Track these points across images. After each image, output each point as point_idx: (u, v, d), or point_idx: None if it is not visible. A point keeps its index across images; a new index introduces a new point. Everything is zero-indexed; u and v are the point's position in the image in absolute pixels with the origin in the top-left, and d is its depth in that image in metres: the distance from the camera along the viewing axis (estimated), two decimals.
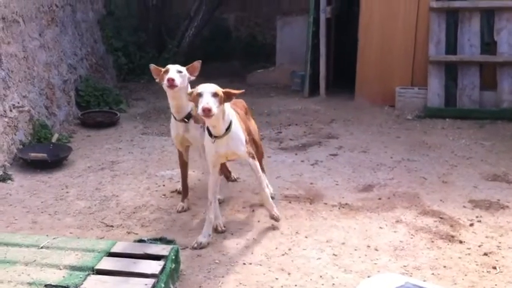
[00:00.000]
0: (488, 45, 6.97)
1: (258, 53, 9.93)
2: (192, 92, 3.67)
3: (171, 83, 3.89)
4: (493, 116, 6.69)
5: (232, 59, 10.10)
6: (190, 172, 4.65)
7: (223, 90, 3.63)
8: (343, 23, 8.55)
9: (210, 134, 3.76)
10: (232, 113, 3.86)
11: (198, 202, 4.53)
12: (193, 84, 4.25)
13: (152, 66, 4.14)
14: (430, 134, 6.28)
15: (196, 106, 3.56)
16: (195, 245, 3.82)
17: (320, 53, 7.72)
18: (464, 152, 5.68)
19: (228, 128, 3.75)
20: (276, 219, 4.12)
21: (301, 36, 8.03)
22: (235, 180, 4.96)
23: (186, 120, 4.14)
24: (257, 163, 4.04)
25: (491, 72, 6.93)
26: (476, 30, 6.97)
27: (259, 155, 4.41)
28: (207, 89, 3.54)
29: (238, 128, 3.86)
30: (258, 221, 4.22)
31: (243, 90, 3.84)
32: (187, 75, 4.05)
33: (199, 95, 3.52)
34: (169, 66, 4.02)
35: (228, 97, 3.66)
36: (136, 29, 9.09)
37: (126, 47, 8.70)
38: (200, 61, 4.10)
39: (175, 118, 4.19)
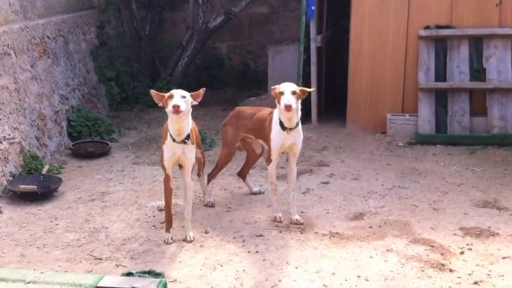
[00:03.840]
0: (478, 72, 7.04)
1: (250, 80, 9.99)
2: (274, 88, 4.44)
3: (177, 109, 3.97)
4: (483, 141, 6.72)
5: (224, 86, 10.16)
6: (174, 200, 4.66)
7: (300, 88, 4.42)
8: (336, 50, 8.64)
9: (283, 127, 4.45)
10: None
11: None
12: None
13: (153, 91, 4.20)
14: (421, 160, 6.30)
15: (278, 102, 4.36)
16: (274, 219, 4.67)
17: (311, 81, 7.77)
18: (455, 178, 5.69)
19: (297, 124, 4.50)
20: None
21: (292, 64, 8.08)
22: (213, 205, 5.10)
23: (186, 141, 4.21)
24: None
25: (481, 98, 6.99)
26: (465, 57, 7.04)
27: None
28: (288, 88, 4.33)
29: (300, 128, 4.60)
30: (248, 252, 4.20)
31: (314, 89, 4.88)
32: (191, 99, 4.14)
33: (281, 93, 4.31)
34: (174, 92, 4.08)
35: (303, 94, 4.43)
36: (129, 58, 9.15)
37: (119, 77, 8.74)
38: (204, 89, 4.28)
39: (174, 140, 4.21)
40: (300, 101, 4.40)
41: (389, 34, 7.24)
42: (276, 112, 4.58)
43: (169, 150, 4.29)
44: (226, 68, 10.35)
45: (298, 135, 4.60)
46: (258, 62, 10.18)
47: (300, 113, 4.48)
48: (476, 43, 7.05)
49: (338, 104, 7.79)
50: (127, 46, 9.31)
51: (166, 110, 4.07)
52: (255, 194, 5.37)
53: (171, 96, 4.04)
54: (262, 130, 4.79)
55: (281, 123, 4.46)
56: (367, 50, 7.33)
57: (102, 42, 8.80)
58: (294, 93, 4.30)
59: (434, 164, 6.16)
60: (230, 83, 10.22)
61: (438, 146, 6.74)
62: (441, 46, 7.10)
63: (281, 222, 4.67)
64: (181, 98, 4.03)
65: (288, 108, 4.23)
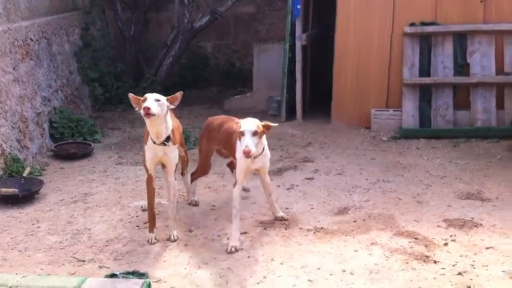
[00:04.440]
0: (462, 67, 7.06)
1: (235, 79, 9.98)
2: (237, 123, 4.16)
3: (147, 111, 3.90)
4: (467, 134, 6.74)
5: (210, 85, 10.14)
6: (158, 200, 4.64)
7: (262, 124, 4.11)
8: (321, 48, 8.63)
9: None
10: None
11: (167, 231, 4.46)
12: (175, 111, 4.42)
13: (131, 95, 4.16)
14: (405, 154, 6.30)
15: (239, 140, 4.05)
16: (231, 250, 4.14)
17: (296, 78, 7.76)
18: (438, 171, 5.70)
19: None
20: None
21: (277, 63, 8.08)
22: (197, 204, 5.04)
23: (166, 143, 4.16)
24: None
25: (465, 92, 7.01)
26: (450, 53, 7.06)
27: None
28: (248, 128, 3.99)
29: (267, 149, 4.35)
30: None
31: (277, 124, 4.35)
32: (166, 103, 4.06)
33: (241, 133, 3.99)
34: (148, 95, 4.02)
35: (267, 129, 4.14)
36: (113, 59, 9.09)
37: (103, 77, 8.67)
38: (182, 92, 4.18)
39: (154, 142, 4.17)
40: (263, 136, 4.15)
41: (374, 31, 7.23)
42: None
43: (151, 151, 4.25)
44: (211, 67, 10.32)
45: (265, 160, 4.36)
46: (244, 60, 10.15)
47: (264, 142, 4.23)
48: (461, 39, 7.06)
49: (324, 102, 7.77)
50: (111, 47, 9.24)
51: (141, 113, 3.99)
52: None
53: (144, 100, 3.98)
54: (228, 145, 4.51)
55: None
56: (352, 47, 7.33)
57: (86, 43, 8.73)
58: (255, 133, 3.96)
59: (418, 157, 6.18)
60: (215, 82, 10.19)
61: (422, 140, 6.75)
62: (426, 42, 7.11)
63: (237, 251, 4.14)
64: (154, 101, 3.96)
65: (247, 154, 3.91)
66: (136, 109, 4.09)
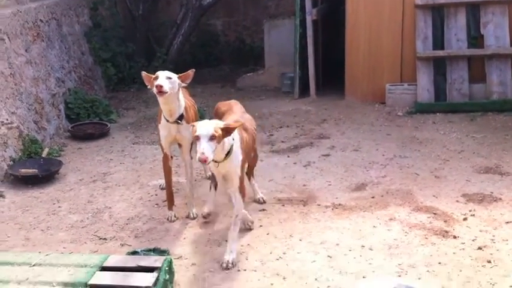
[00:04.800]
0: (475, 39, 6.99)
1: (247, 56, 9.93)
2: (193, 126, 3.57)
3: (160, 89, 3.90)
4: (483, 108, 6.70)
5: (221, 63, 10.11)
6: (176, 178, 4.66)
7: (222, 126, 3.51)
8: (332, 22, 8.56)
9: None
10: (236, 137, 3.74)
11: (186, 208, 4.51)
12: (188, 89, 4.43)
13: (143, 73, 4.16)
14: (421, 129, 6.28)
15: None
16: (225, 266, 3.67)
17: (308, 54, 7.71)
18: (455, 145, 5.68)
19: (228, 153, 3.67)
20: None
21: (289, 39, 8.03)
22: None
23: (179, 121, 4.16)
24: (241, 201, 3.88)
25: (480, 65, 6.95)
26: (463, 24, 6.98)
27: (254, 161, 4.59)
28: (204, 131, 3.43)
29: (237, 153, 3.76)
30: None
31: (241, 123, 3.81)
32: (178, 81, 4.05)
33: (197, 138, 3.44)
34: (159, 73, 4.02)
35: (228, 132, 3.56)
36: (123, 39, 9.07)
37: (115, 58, 8.67)
38: (194, 70, 4.16)
39: (167, 120, 4.18)
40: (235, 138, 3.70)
41: (385, 4, 7.15)
42: None
43: (165, 130, 4.27)
44: (222, 44, 10.26)
45: (233, 165, 3.76)
46: (254, 37, 10.08)
47: (229, 143, 3.64)
48: (473, 10, 6.98)
49: (337, 77, 7.73)
50: (121, 26, 9.21)
51: (153, 91, 3.99)
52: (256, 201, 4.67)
53: (156, 78, 3.98)
54: None
55: None
56: (364, 21, 7.26)
57: (95, 24, 8.71)
58: (212, 138, 3.42)
59: (434, 132, 6.15)
60: (226, 60, 10.15)
61: (438, 114, 6.72)
62: (438, 14, 7.03)
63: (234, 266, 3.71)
64: (165, 79, 3.95)
65: (203, 161, 3.42)
66: (149, 87, 4.10)
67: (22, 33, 6.42)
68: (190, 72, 4.14)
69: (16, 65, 6.11)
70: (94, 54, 8.41)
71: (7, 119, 5.57)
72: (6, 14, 6.13)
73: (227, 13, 10.24)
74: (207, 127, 3.45)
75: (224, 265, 3.66)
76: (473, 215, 4.17)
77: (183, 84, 4.12)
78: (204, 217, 4.39)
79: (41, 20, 6.96)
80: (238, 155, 3.76)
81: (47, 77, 6.76)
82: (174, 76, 4.04)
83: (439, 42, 7.03)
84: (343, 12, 7.45)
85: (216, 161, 3.64)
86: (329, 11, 8.46)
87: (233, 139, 3.69)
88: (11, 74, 5.94)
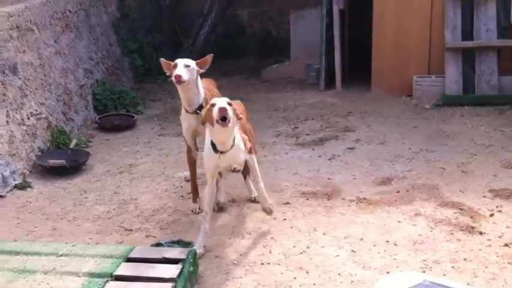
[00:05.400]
0: (505, 29, 6.84)
1: (272, 47, 9.88)
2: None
3: (179, 79, 3.92)
4: None
5: (247, 54, 10.08)
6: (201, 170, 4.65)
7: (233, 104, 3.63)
8: (360, 13, 8.46)
9: (215, 149, 3.72)
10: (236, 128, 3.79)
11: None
12: (207, 76, 4.42)
13: (162, 60, 4.18)
14: (449, 122, 6.19)
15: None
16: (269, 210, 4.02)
17: (334, 45, 7.65)
18: (483, 139, 5.59)
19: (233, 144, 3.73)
20: (269, 213, 4.10)
21: (315, 29, 7.96)
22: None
23: (198, 111, 4.15)
24: (254, 157, 4.02)
25: (510, 56, 6.81)
26: (493, 14, 6.83)
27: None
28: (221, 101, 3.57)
29: (240, 141, 3.82)
30: (276, 220, 4.21)
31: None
32: (196, 68, 4.06)
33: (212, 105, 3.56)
34: (178, 61, 4.02)
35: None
36: (150, 30, 9.12)
37: (142, 49, 8.73)
38: (212, 55, 4.17)
39: (186, 111, 4.20)
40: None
41: None
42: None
43: (185, 121, 4.28)
44: (247, 35, 10.24)
45: (236, 156, 3.79)
46: (280, 28, 10.04)
47: (237, 135, 3.74)
48: None
49: (363, 69, 7.65)
50: (148, 17, 9.27)
51: (172, 79, 4.00)
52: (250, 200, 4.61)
53: (175, 66, 3.99)
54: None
55: (213, 145, 3.75)
56: (392, 11, 7.16)
57: (123, 14, 8.78)
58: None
59: (462, 125, 6.06)
60: (252, 51, 10.12)
61: (466, 107, 6.61)
62: (467, 4, 6.89)
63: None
64: (184, 68, 3.96)
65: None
66: (168, 74, 4.11)
67: (51, 24, 6.51)
68: (209, 57, 4.14)
69: (45, 55, 6.20)
70: (121, 45, 8.48)
71: (36, 110, 5.67)
72: (35, 4, 6.20)
73: (253, 3, 10.21)
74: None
75: (268, 211, 4.03)
76: (500, 211, 4.11)
77: (202, 71, 4.13)
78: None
79: (69, 11, 7.04)
80: (241, 146, 3.81)
81: (75, 68, 6.85)
82: (192, 63, 4.05)
83: (468, 32, 6.89)
84: (371, 2, 7.36)
85: (222, 152, 3.68)
86: (356, 1, 8.36)
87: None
88: (40, 64, 6.03)
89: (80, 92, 6.76)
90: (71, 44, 6.91)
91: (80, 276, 3.17)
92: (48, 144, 5.68)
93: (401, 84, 7.17)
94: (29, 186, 5.03)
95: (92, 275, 3.18)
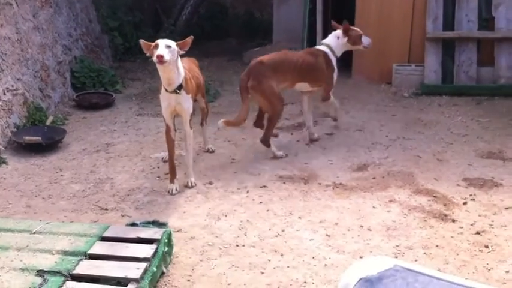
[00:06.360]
0: (486, 20, 6.89)
1: (255, 30, 9.86)
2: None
3: (161, 59, 3.95)
4: (490, 92, 6.64)
5: (229, 36, 10.04)
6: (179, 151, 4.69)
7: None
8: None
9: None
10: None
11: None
12: (189, 56, 4.54)
13: (142, 41, 4.19)
14: (427, 111, 6.25)
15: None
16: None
17: (317, 30, 7.64)
18: (460, 129, 5.66)
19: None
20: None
21: (298, 14, 7.95)
22: (213, 151, 5.19)
23: (177, 91, 4.22)
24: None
25: (489, 48, 6.86)
26: (474, 5, 6.88)
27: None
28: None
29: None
30: (253, 200, 4.24)
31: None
32: (177, 49, 4.11)
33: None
34: (159, 41, 4.06)
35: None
36: (131, 8, 9.01)
37: (122, 27, 8.64)
38: (192, 37, 4.21)
39: (166, 90, 4.24)
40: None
41: None
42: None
43: (165, 100, 4.33)
44: (230, 17, 10.20)
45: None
46: (263, 11, 10.01)
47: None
48: None
49: (344, 56, 7.62)
50: None
51: (153, 59, 4.03)
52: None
53: (156, 46, 4.02)
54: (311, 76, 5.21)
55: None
56: None
57: None
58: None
59: (439, 114, 6.12)
60: (234, 33, 10.09)
61: (444, 96, 6.67)
62: None
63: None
64: (165, 48, 4.00)
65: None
66: (148, 54, 4.13)
67: None
68: (189, 39, 4.19)
69: (23, 30, 6.08)
70: (101, 23, 8.36)
71: (12, 85, 5.58)
72: None
73: None
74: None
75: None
76: (474, 199, 4.18)
77: (182, 52, 4.17)
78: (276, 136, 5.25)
79: None
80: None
81: (53, 44, 6.74)
82: (173, 44, 4.09)
83: (449, 23, 6.94)
84: None
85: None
86: None
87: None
88: (17, 39, 5.92)
89: (57, 69, 6.66)
90: (50, 20, 6.79)
91: (53, 254, 3.15)
92: (24, 121, 5.60)
93: (381, 72, 7.21)
94: (4, 163, 4.96)
95: (66, 253, 3.17)
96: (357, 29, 5.41)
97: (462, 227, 3.79)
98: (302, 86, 5.19)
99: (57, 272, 2.98)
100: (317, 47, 5.40)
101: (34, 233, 3.40)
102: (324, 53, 5.17)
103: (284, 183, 4.54)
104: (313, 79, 5.13)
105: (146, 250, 3.21)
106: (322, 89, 5.26)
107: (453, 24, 6.93)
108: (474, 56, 6.84)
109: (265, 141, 4.95)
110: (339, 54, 5.28)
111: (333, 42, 5.26)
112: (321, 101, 5.39)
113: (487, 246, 3.54)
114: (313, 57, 5.11)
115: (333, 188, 4.43)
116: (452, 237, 3.68)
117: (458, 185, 4.43)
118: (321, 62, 5.11)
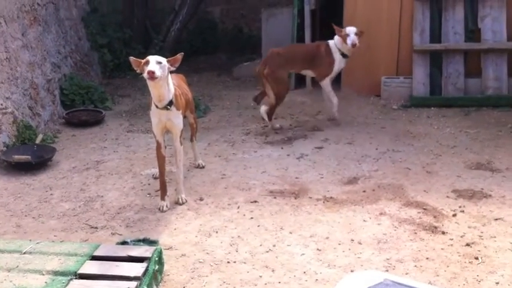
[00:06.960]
0: (473, 32, 6.98)
1: (244, 45, 9.89)
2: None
3: (151, 75, 3.97)
4: (478, 103, 6.70)
5: (218, 51, 10.07)
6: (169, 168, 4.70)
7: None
8: (331, 13, 8.52)
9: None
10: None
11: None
12: (178, 72, 4.59)
13: (132, 58, 4.21)
14: (415, 123, 6.29)
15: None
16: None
17: None
18: (448, 140, 5.70)
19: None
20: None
21: (286, 28, 7.99)
22: (203, 167, 5.22)
23: (168, 107, 4.24)
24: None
25: (476, 59, 6.94)
26: (460, 17, 6.97)
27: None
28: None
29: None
30: (244, 215, 4.24)
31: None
32: (167, 65, 4.13)
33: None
34: (149, 58, 4.07)
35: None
36: (121, 25, 9.03)
37: (112, 44, 8.64)
38: (183, 53, 4.23)
39: (157, 106, 4.25)
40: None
41: None
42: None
43: (155, 117, 4.34)
44: (219, 32, 10.23)
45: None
46: (252, 26, 10.06)
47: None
48: (472, 3, 6.97)
49: None
50: (119, 12, 9.18)
51: (143, 76, 4.04)
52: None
53: (146, 62, 4.03)
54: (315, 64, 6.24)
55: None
56: (362, 12, 7.23)
57: (93, 8, 8.68)
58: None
59: (428, 126, 6.16)
60: (224, 48, 10.13)
61: (432, 108, 6.73)
62: (436, 7, 7.02)
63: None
64: (156, 64, 4.02)
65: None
66: (138, 71, 4.13)
67: (19, 17, 6.38)
68: (179, 56, 4.21)
69: (12, 49, 6.08)
70: (91, 40, 8.38)
71: (1, 104, 5.56)
72: None
73: (225, 0, 10.20)
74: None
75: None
76: (463, 211, 4.20)
77: (172, 68, 4.19)
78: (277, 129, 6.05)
79: (38, 4, 6.91)
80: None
81: (42, 62, 6.73)
82: (164, 60, 4.11)
83: (436, 35, 7.02)
84: (342, 2, 7.42)
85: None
86: (328, 1, 8.42)
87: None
88: (6, 58, 5.91)
89: (47, 87, 6.65)
90: (39, 38, 6.79)
91: (43, 274, 3.14)
92: (13, 140, 5.57)
93: (370, 85, 7.25)
94: None
95: (56, 273, 3.15)
96: (349, 30, 5.99)
97: (452, 239, 3.80)
98: (307, 72, 6.41)
99: None
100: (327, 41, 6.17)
101: (24, 253, 3.38)
102: (327, 44, 6.09)
103: (275, 197, 4.55)
104: (315, 66, 6.13)
105: (137, 269, 3.20)
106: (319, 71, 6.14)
107: (440, 36, 7.01)
108: (461, 67, 6.91)
109: (269, 115, 6.04)
110: (346, 52, 6.06)
111: (338, 39, 6.08)
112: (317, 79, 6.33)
113: (477, 258, 3.56)
114: (316, 48, 6.14)
115: (324, 202, 4.44)
116: (442, 249, 3.69)
117: (447, 196, 4.45)
118: (322, 51, 6.06)
